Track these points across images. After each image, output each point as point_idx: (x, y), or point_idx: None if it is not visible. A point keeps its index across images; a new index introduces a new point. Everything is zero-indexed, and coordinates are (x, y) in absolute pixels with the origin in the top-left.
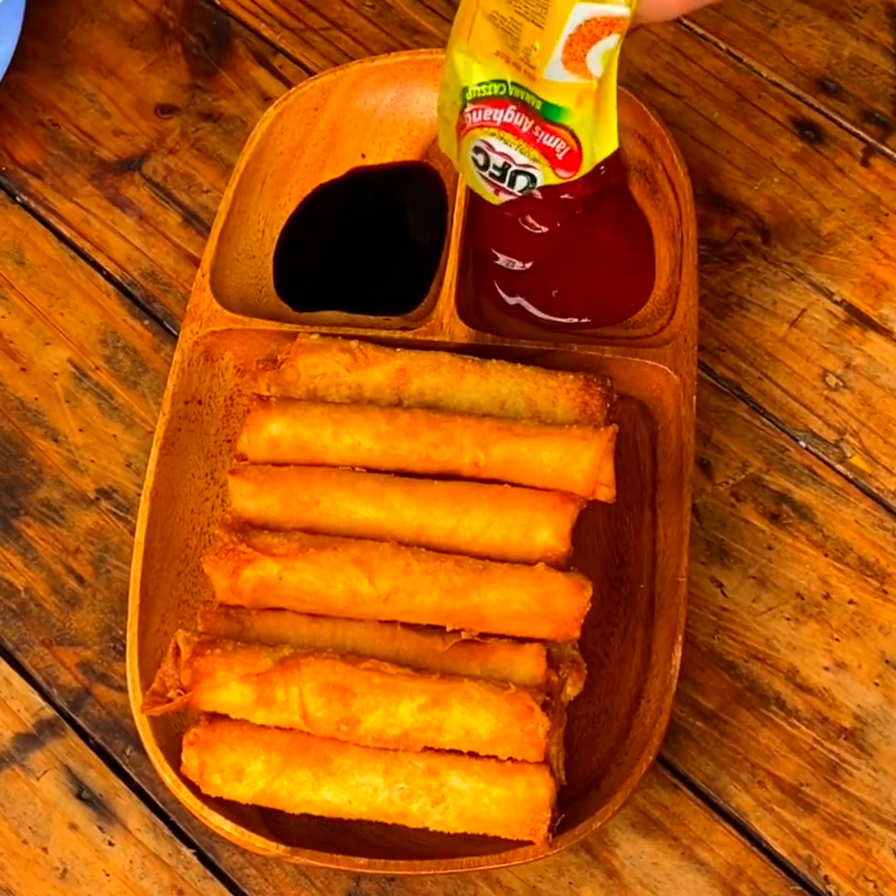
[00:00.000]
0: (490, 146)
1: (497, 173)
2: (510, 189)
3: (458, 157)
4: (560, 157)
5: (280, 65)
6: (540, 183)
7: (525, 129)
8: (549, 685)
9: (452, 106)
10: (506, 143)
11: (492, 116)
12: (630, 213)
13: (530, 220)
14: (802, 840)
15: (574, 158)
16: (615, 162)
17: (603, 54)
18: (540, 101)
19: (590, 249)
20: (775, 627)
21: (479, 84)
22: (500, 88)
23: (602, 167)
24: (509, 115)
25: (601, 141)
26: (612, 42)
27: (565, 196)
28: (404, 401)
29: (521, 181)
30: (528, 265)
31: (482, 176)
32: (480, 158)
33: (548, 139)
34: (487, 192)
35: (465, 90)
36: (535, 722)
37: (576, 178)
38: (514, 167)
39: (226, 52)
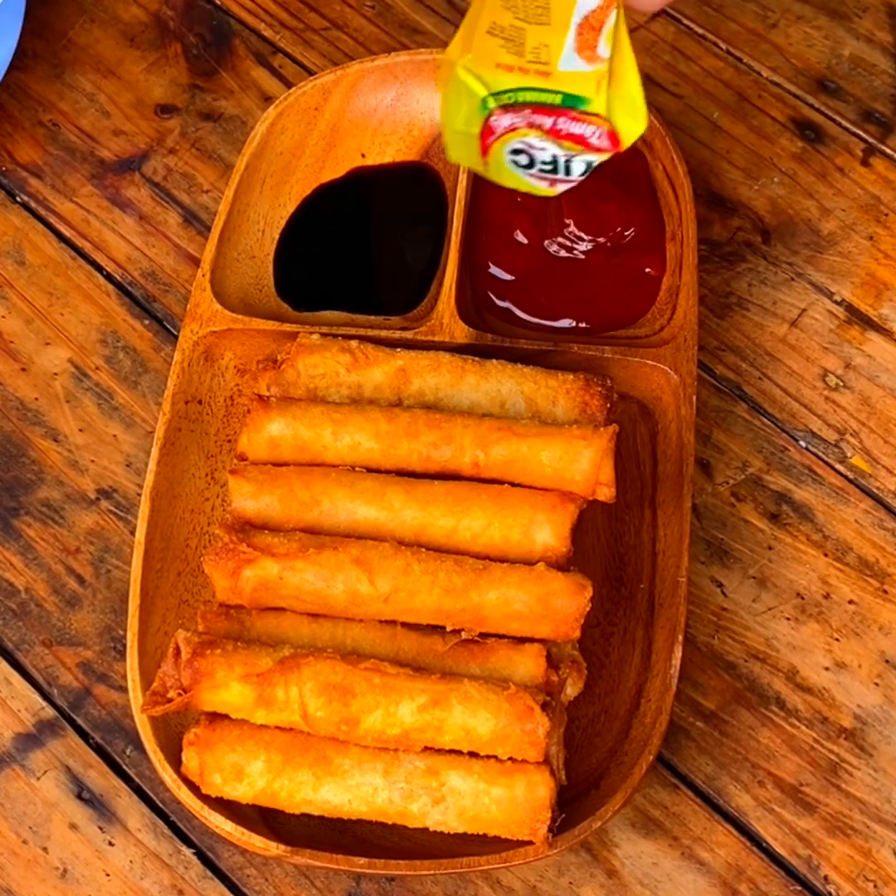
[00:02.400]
0: (530, 145)
1: (548, 167)
2: (568, 178)
3: (485, 165)
4: (595, 141)
5: (280, 65)
6: (598, 162)
7: (547, 126)
8: (549, 685)
9: (471, 117)
10: (541, 139)
11: (513, 123)
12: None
13: (518, 232)
14: (802, 840)
15: (611, 136)
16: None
17: (607, 34)
18: (559, 94)
19: (584, 263)
20: (775, 627)
21: (494, 94)
22: (510, 98)
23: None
24: (529, 118)
25: (627, 118)
26: (611, 20)
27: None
28: (404, 401)
29: (578, 166)
30: (515, 277)
31: (529, 175)
32: (523, 159)
33: (575, 127)
34: (540, 189)
35: (484, 99)
36: (535, 722)
37: (620, 150)
38: (563, 158)
39: (226, 52)
